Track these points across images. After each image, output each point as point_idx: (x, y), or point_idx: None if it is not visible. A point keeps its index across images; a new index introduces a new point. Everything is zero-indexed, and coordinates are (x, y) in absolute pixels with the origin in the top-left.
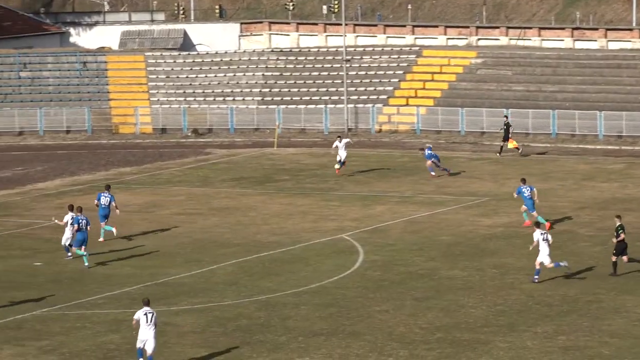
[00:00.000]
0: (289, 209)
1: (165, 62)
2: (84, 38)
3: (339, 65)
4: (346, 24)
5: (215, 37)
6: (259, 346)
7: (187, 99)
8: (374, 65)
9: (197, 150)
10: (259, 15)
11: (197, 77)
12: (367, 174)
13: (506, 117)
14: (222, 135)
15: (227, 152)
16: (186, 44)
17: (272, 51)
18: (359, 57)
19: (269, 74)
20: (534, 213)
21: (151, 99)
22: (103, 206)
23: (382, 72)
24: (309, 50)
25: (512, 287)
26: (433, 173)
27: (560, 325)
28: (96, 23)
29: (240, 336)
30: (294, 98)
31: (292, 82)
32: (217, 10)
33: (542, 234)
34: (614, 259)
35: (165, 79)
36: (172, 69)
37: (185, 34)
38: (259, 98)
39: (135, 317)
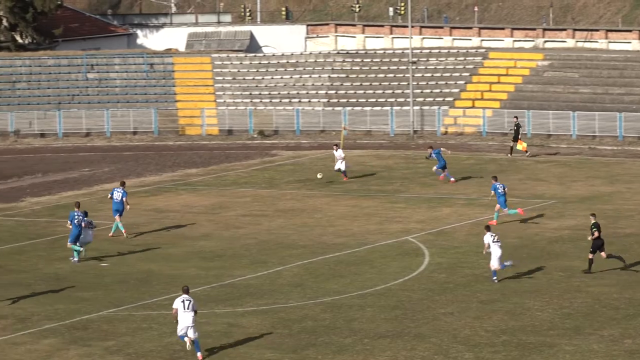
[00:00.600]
0: (355, 210)
1: (231, 63)
2: (151, 39)
3: (404, 67)
4: (412, 26)
5: (281, 39)
6: (324, 348)
7: (253, 100)
8: (440, 67)
9: (263, 152)
10: (325, 17)
11: (263, 78)
12: (433, 176)
13: (516, 117)
14: (287, 136)
15: (293, 154)
16: (252, 46)
17: (338, 53)
18: (425, 59)
19: (335, 75)
20: (505, 210)
21: (217, 100)
22: (116, 201)
23: (448, 74)
24: (375, 52)
25: (578, 290)
26: (452, 179)
27: (627, 329)
28: (163, 25)
29: (305, 338)
30: (359, 100)
31: (358, 84)
32: (284, 12)
33: (492, 236)
34: (590, 256)
35: (232, 80)
36: (239, 71)
37: (251, 35)
38: (325, 100)
39: (174, 305)
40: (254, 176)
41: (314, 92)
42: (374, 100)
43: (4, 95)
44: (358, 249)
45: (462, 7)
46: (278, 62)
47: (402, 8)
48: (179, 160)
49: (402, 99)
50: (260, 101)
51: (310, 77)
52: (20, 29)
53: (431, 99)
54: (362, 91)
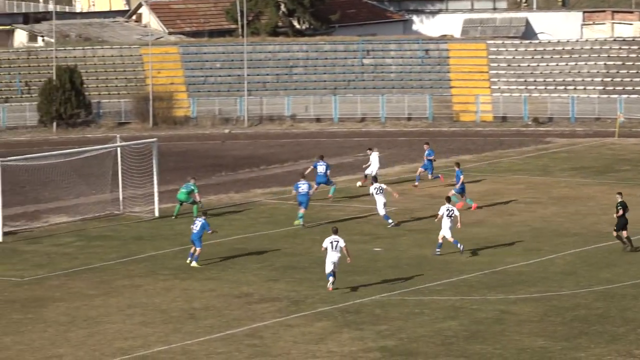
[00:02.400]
0: (629, 200)
1: (507, 50)
2: (427, 26)
3: None
4: None
5: (557, 26)
6: (596, 337)
7: (528, 87)
8: None
9: (537, 139)
10: (602, 4)
11: (538, 65)
12: None
13: None
14: (562, 124)
15: (568, 142)
16: (528, 33)
17: (615, 40)
18: None
19: (611, 63)
20: (458, 194)
21: (492, 87)
22: (319, 174)
23: None
24: None
25: None
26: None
27: None
28: (439, 11)
29: (578, 326)
30: (635, 88)
31: (635, 71)
32: None
33: (447, 209)
34: (614, 234)
35: (507, 67)
36: (514, 58)
37: (527, 22)
38: (600, 87)
39: (324, 245)
40: (528, 163)
41: (589, 79)
42: None
43: (282, 80)
44: (632, 237)
45: None
46: (553, 49)
47: None
48: (453, 146)
49: None
50: (535, 88)
51: (585, 64)
52: (298, 15)
53: None
54: (638, 79)
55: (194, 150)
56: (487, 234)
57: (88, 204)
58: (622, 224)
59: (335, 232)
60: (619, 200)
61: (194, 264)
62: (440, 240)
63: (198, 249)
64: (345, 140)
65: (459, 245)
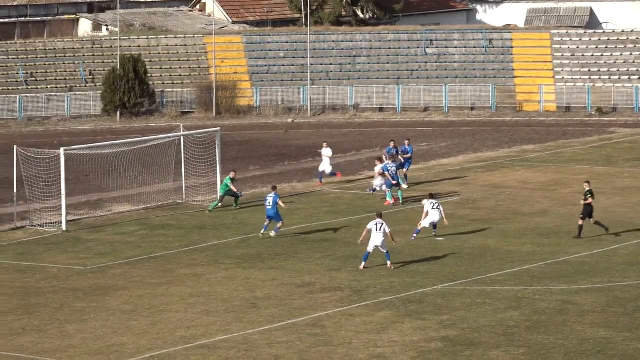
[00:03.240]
0: None
1: (570, 40)
2: (490, 15)
3: None
4: None
5: (621, 15)
6: None
7: (592, 77)
8: None
9: (600, 129)
10: None
11: (602, 55)
12: None
13: None
14: (626, 114)
15: (632, 132)
16: (592, 22)
17: None
18: None
19: None
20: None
21: (556, 77)
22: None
23: None
24: None
25: None
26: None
27: None
28: (503, 1)
29: None
30: None
31: None
32: None
33: (431, 203)
34: (580, 222)
35: (571, 57)
36: (578, 47)
37: (591, 11)
38: None
39: (368, 227)
40: (591, 153)
41: None
42: None
43: (345, 69)
44: None
45: None
46: (618, 39)
47: None
48: (516, 136)
49: None
50: (599, 78)
51: None
52: (362, 4)
53: None
54: None
55: (256, 140)
56: (550, 224)
57: (151, 192)
58: (588, 211)
59: (380, 216)
60: (588, 188)
61: (272, 234)
62: (419, 227)
63: (280, 222)
64: (408, 130)
65: (415, 235)
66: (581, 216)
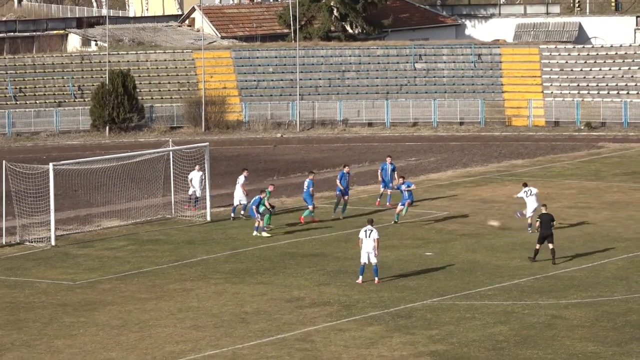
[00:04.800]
0: None
1: (559, 54)
2: (479, 30)
3: None
4: None
5: (610, 31)
6: None
7: (581, 92)
8: None
9: (589, 144)
10: None
11: (591, 70)
12: None
13: None
14: (615, 129)
15: (620, 146)
16: (581, 37)
17: None
18: None
19: None
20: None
21: (544, 91)
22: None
23: None
24: None
25: None
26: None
27: None
28: (491, 15)
29: (629, 331)
30: None
31: None
32: (613, 3)
33: (525, 192)
34: (537, 246)
35: (559, 72)
36: (566, 62)
37: (580, 26)
38: None
39: (360, 236)
40: (580, 168)
41: None
42: None
43: (334, 84)
44: None
45: None
46: (607, 54)
47: None
48: (505, 150)
49: None
50: (588, 93)
51: (639, 69)
52: (351, 19)
53: None
54: None
55: (245, 155)
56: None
57: (140, 207)
58: (545, 235)
59: (371, 222)
60: (544, 211)
61: (306, 213)
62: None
63: (310, 206)
64: (397, 145)
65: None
66: (538, 240)
